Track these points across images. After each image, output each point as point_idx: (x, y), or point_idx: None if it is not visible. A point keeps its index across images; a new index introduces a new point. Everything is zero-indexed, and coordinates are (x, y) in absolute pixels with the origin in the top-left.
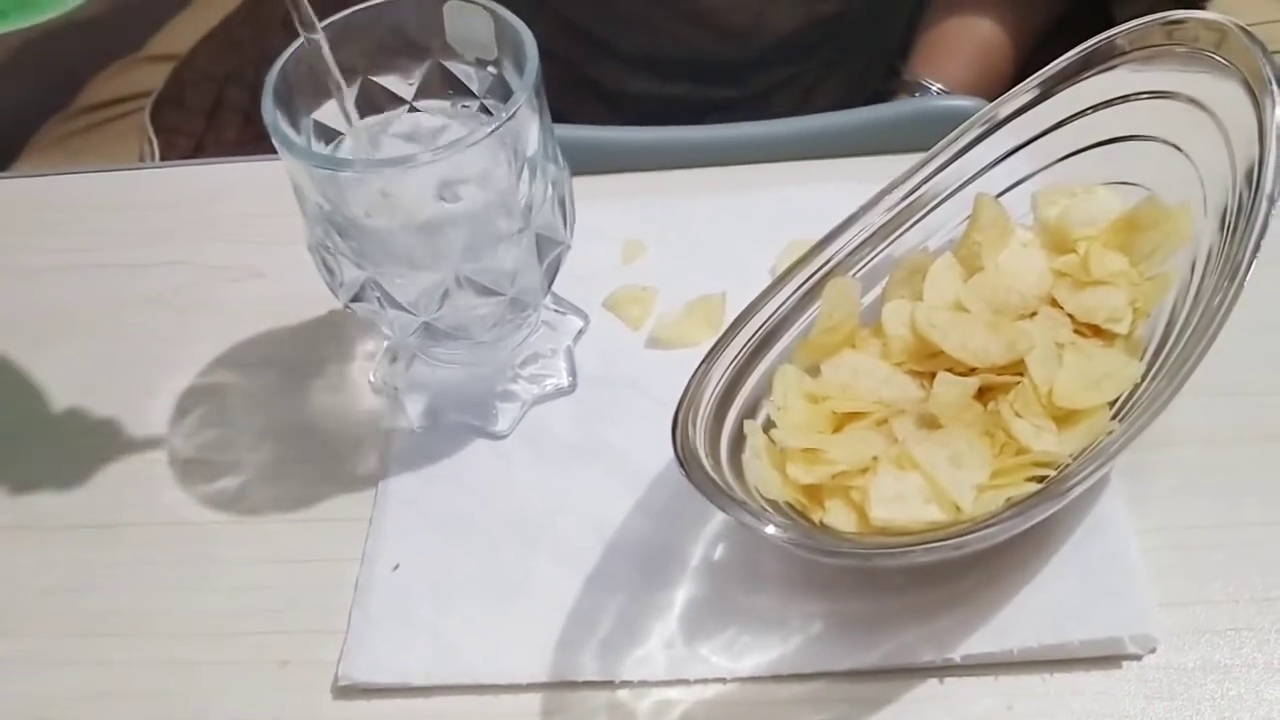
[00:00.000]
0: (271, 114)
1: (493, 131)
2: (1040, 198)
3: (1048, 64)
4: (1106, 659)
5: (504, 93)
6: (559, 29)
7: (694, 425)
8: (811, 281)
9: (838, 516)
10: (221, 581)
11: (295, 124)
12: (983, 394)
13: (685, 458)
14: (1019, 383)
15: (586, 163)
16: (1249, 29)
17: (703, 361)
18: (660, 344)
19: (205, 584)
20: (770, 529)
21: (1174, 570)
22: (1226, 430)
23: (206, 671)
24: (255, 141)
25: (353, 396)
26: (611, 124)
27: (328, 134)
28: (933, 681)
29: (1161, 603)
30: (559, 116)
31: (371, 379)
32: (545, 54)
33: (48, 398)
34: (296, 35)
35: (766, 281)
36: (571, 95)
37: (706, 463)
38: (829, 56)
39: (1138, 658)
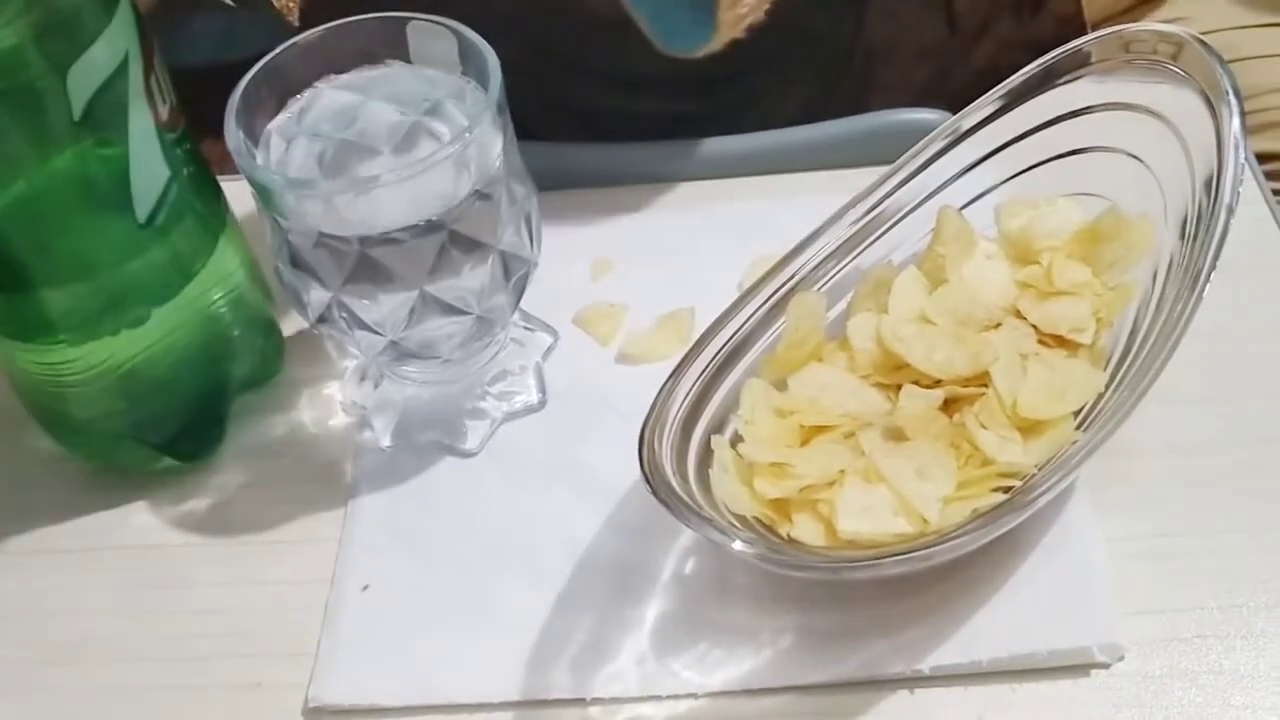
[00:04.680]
0: (235, 135)
1: (455, 150)
2: (1003, 210)
3: (1010, 75)
4: (1075, 668)
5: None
6: (528, 47)
7: (660, 441)
8: (777, 296)
9: (806, 530)
10: (191, 605)
11: (255, 141)
12: (948, 406)
13: (651, 474)
14: (984, 394)
15: (553, 179)
16: (1205, 40)
17: (669, 378)
18: (630, 360)
19: (175, 607)
20: (738, 544)
21: (1140, 578)
22: (1190, 438)
23: (177, 696)
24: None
25: (322, 416)
26: (583, 140)
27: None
28: (903, 693)
29: (1128, 611)
30: (530, 134)
31: (340, 398)
32: (515, 72)
33: (13, 421)
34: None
35: (735, 296)
36: (542, 113)
37: (673, 479)
38: (794, 70)
39: (1106, 666)
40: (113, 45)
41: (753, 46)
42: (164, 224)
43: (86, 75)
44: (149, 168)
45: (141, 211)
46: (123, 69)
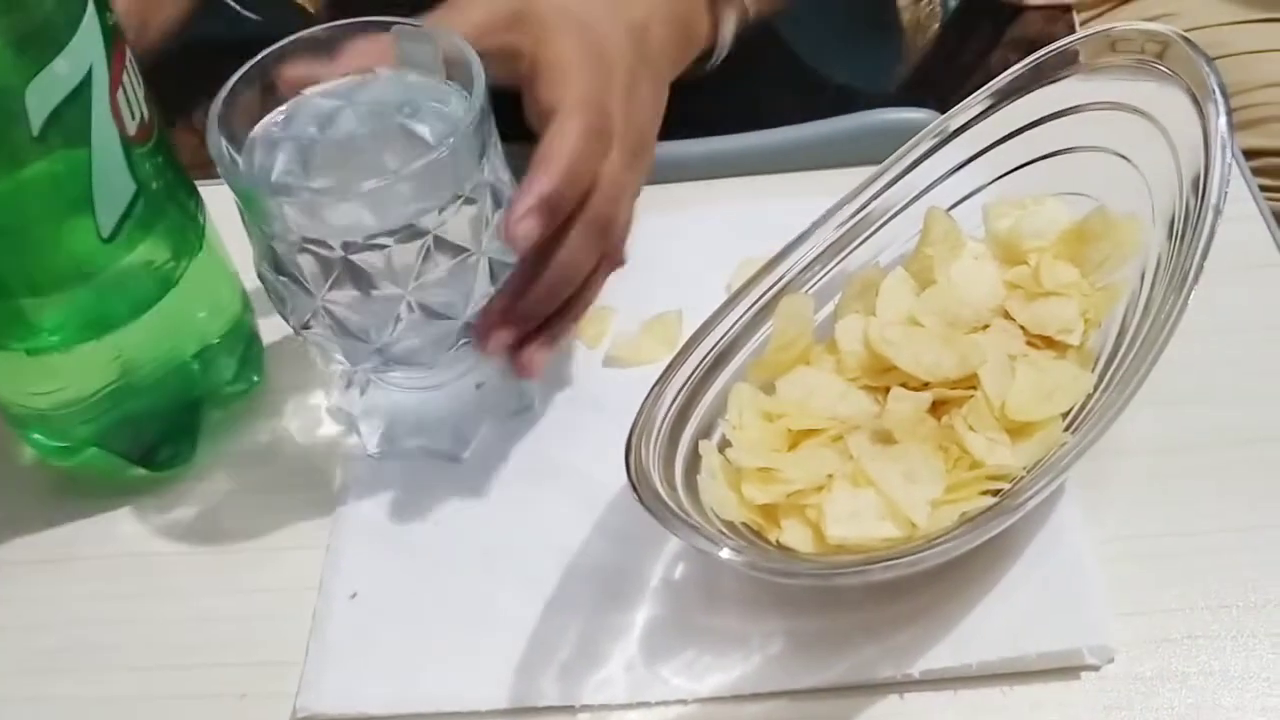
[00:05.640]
0: (217, 143)
1: (439, 155)
2: (991, 210)
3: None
4: (1065, 670)
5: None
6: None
7: (648, 447)
8: (765, 299)
9: (794, 536)
10: (178, 613)
11: (238, 147)
12: (936, 408)
13: (638, 481)
14: (972, 396)
15: None
16: (1191, 39)
17: (656, 383)
18: (617, 363)
19: (162, 616)
20: (725, 552)
21: (1130, 580)
22: (1178, 438)
23: (164, 706)
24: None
25: (309, 422)
26: None
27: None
28: (893, 697)
29: (1118, 613)
30: (516, 135)
31: (327, 405)
32: None
33: (3, 430)
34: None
35: (723, 298)
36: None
37: (661, 486)
38: (777, 73)
39: (1096, 668)
40: (75, 61)
41: (742, 50)
42: (131, 237)
43: (47, 91)
44: (113, 182)
45: (105, 226)
46: (85, 84)
